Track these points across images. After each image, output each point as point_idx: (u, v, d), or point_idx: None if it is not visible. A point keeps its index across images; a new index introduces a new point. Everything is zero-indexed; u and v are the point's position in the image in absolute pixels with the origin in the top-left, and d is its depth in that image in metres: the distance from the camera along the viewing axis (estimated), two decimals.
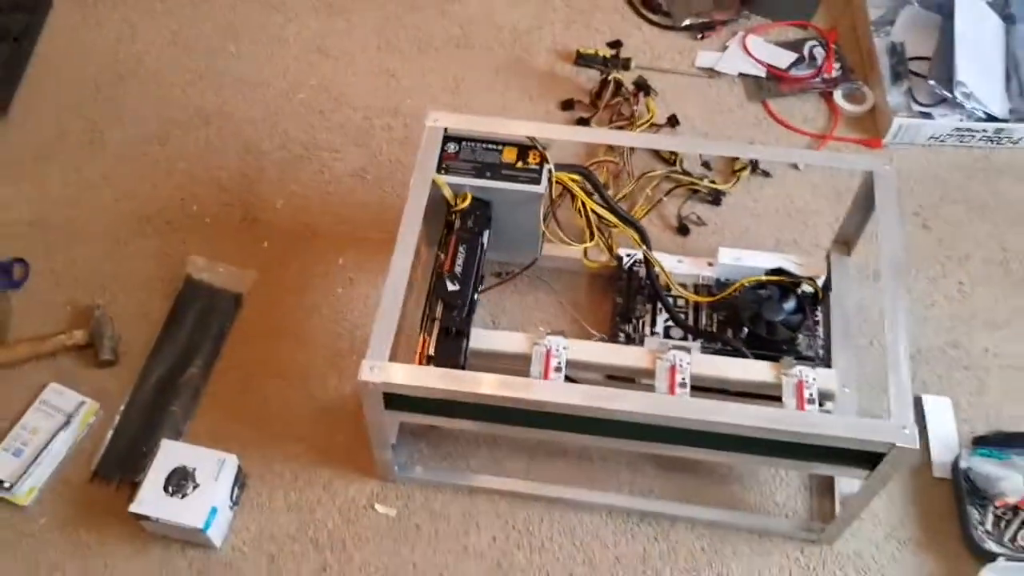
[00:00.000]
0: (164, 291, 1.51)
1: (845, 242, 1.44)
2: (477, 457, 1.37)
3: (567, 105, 1.77)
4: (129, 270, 1.54)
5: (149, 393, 1.39)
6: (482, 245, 1.30)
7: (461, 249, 1.27)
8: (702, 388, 1.28)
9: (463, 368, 1.21)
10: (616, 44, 1.82)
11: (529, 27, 1.89)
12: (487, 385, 1.11)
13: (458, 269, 1.25)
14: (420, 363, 1.19)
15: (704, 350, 1.39)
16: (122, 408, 1.38)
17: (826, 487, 1.32)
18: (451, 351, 1.21)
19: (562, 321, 1.51)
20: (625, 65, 1.80)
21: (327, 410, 1.40)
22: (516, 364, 1.28)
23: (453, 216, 1.31)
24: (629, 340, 1.44)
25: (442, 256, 1.28)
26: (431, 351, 1.20)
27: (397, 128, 1.74)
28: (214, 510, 1.23)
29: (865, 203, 1.34)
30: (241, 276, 1.51)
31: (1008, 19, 1.83)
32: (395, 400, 1.14)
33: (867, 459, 1.11)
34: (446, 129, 1.34)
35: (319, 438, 1.38)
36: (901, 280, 1.20)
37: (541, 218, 1.38)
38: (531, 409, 1.13)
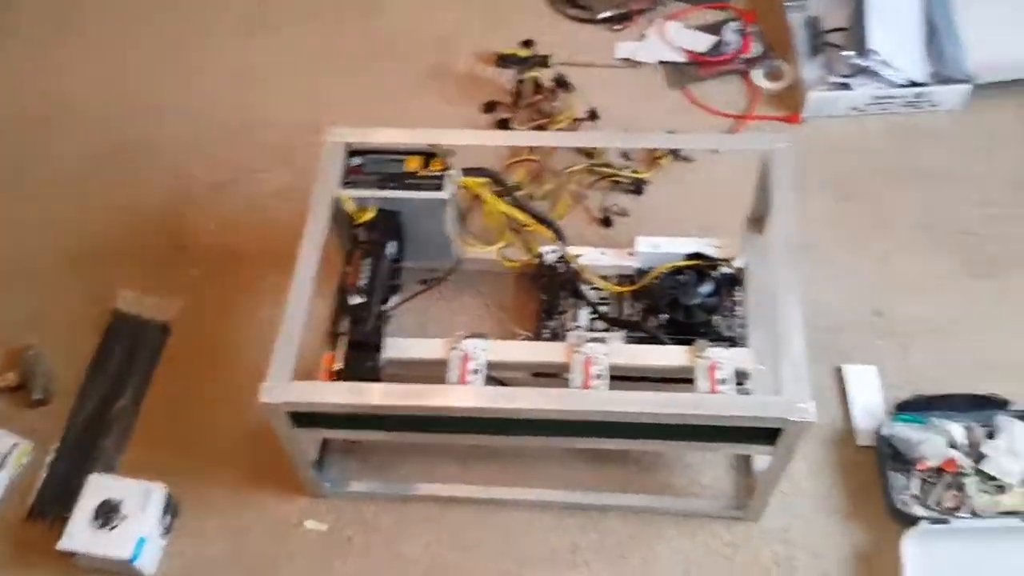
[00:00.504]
0: (95, 327, 1.53)
1: (757, 220, 1.45)
2: (408, 465, 1.39)
3: (489, 107, 1.78)
4: (61, 308, 1.56)
5: (80, 430, 1.41)
6: (387, 256, 1.31)
7: (365, 262, 1.28)
8: (627, 378, 1.30)
9: (377, 380, 1.23)
10: (528, 43, 1.83)
11: (449, 33, 1.91)
12: (386, 395, 1.12)
13: (363, 282, 1.26)
14: (328, 379, 1.20)
15: (628, 339, 1.41)
16: (55, 446, 1.40)
17: (750, 466, 1.34)
18: (361, 364, 1.22)
19: (489, 323, 1.52)
20: (544, 62, 1.81)
21: (257, 432, 1.40)
22: (437, 370, 1.29)
23: (356, 230, 1.32)
24: (554, 336, 1.45)
25: (347, 269, 1.29)
26: (339, 366, 1.21)
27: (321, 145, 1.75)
28: (142, 540, 1.25)
29: (766, 177, 1.35)
30: (167, 305, 1.53)
31: None
32: (303, 418, 1.15)
33: (767, 436, 1.12)
34: (349, 143, 1.36)
35: (251, 461, 1.40)
36: (791, 256, 1.21)
37: (451, 224, 1.39)
38: (438, 415, 1.14)
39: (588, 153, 1.69)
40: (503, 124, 1.75)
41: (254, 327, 1.52)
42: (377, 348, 1.25)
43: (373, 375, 1.23)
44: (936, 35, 1.76)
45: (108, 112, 1.82)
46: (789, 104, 1.77)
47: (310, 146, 1.73)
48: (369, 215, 1.31)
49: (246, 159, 1.74)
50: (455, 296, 1.55)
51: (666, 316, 1.40)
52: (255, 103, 1.81)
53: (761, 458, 1.24)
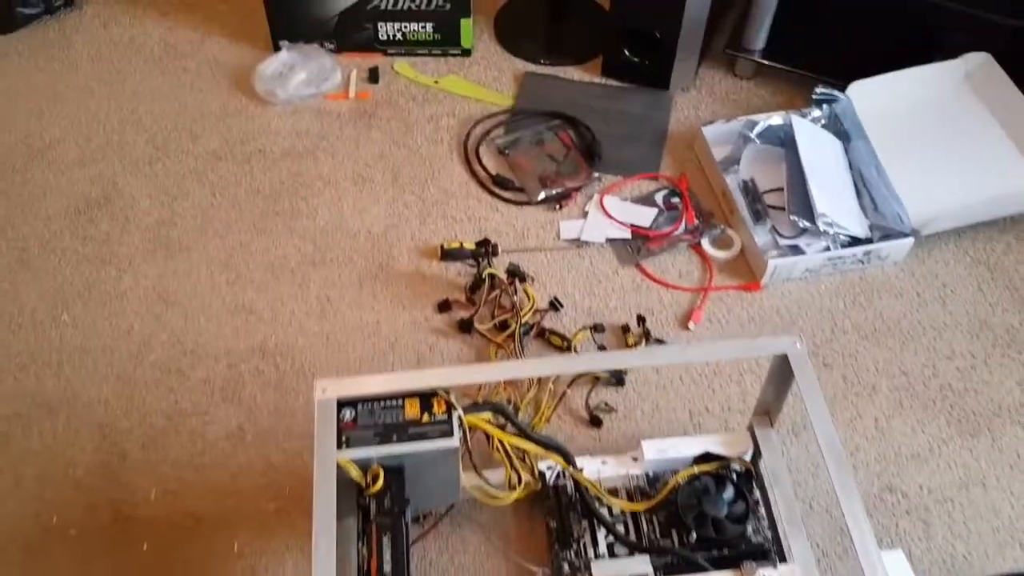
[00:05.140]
0: None
1: (766, 412, 1.40)
2: None
3: (443, 307, 1.68)
4: None
5: None
6: (406, 525, 1.16)
7: (385, 540, 1.14)
8: None
9: None
10: (484, 243, 1.74)
11: (384, 229, 1.80)
12: None
13: (387, 567, 1.11)
14: None
15: (655, 564, 1.31)
16: None
17: None
18: None
19: (495, 560, 1.38)
20: (493, 251, 1.74)
21: None
22: None
23: (367, 500, 1.17)
24: (573, 569, 1.33)
25: (364, 552, 1.13)
26: None
27: (268, 371, 1.60)
28: None
29: (781, 378, 1.30)
30: None
31: (843, 137, 1.89)
32: None
33: None
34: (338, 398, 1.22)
35: None
36: (846, 470, 1.15)
37: (460, 467, 1.26)
38: None
39: (560, 347, 1.61)
40: (466, 325, 1.64)
41: None
42: None
43: None
44: (866, 187, 1.80)
45: (12, 366, 1.59)
46: (741, 271, 1.76)
47: (254, 375, 1.59)
48: (380, 483, 1.17)
49: (181, 401, 1.55)
50: (452, 532, 1.41)
51: (695, 534, 1.31)
52: (181, 334, 1.63)
53: None
